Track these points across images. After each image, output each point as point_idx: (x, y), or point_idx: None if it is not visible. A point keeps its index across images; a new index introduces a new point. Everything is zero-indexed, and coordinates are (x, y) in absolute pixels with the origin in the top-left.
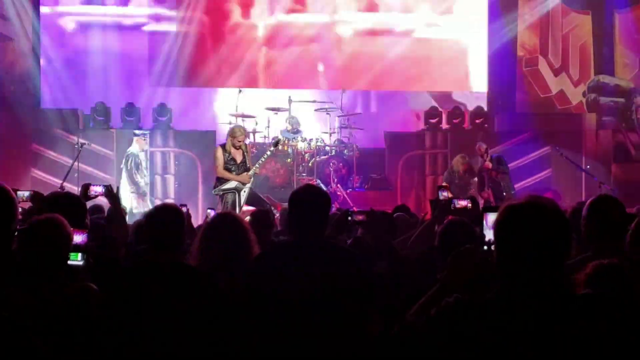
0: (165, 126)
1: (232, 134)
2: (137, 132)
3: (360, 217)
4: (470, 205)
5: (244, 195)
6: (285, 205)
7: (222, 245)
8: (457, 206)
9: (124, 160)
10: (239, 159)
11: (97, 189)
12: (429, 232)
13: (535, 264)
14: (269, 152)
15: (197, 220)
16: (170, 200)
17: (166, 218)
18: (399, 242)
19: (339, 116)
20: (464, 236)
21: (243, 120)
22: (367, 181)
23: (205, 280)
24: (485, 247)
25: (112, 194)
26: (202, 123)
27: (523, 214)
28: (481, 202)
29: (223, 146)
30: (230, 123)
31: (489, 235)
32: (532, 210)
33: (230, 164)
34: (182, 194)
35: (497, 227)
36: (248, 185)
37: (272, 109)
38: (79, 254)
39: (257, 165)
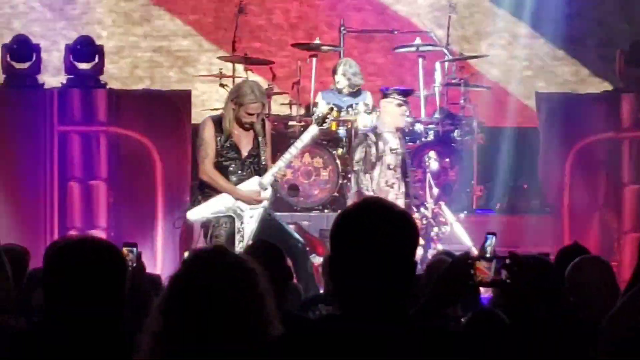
0: (92, 81)
1: (238, 95)
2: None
3: (492, 270)
4: None
5: (251, 223)
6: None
7: (204, 322)
8: None
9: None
10: (246, 147)
11: None
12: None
13: None
14: (306, 137)
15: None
16: (98, 234)
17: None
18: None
19: (442, 61)
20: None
21: (248, 71)
22: (502, 194)
23: None
24: None
25: None
26: (162, 78)
27: None
28: None
29: (217, 121)
30: (220, 73)
31: None
32: None
33: (227, 156)
34: (123, 218)
35: None
36: (261, 205)
37: (308, 49)
38: None
39: (281, 163)
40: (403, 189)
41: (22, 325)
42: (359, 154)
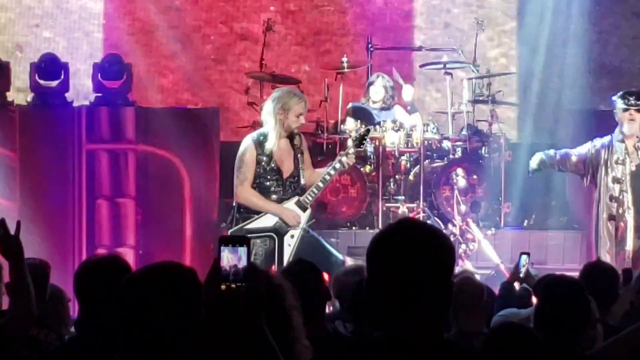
0: (121, 99)
1: (284, 102)
2: None
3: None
4: None
5: (292, 242)
6: (360, 262)
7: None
8: None
9: None
10: (287, 168)
11: None
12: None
13: None
14: (344, 158)
15: None
16: (126, 253)
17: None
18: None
19: (470, 79)
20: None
21: (274, 89)
22: (529, 211)
23: None
24: None
25: (5, 239)
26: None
27: None
28: None
29: (259, 140)
30: (248, 90)
31: None
32: None
33: (269, 177)
34: (151, 236)
35: None
36: (302, 222)
37: (333, 67)
38: None
39: (320, 184)
40: (631, 206)
41: (52, 339)
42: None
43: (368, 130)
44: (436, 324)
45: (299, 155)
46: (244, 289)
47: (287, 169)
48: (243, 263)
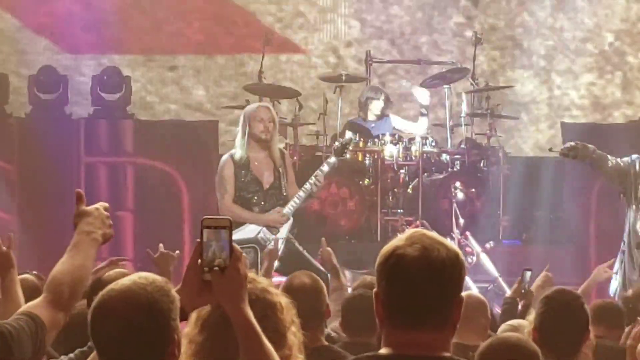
0: (119, 111)
1: (245, 113)
2: None
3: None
4: None
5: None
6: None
7: (224, 353)
8: None
9: None
10: (267, 179)
11: None
12: None
13: None
14: (325, 167)
15: None
16: (125, 266)
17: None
18: None
19: (468, 92)
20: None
21: (275, 103)
22: (527, 225)
23: None
24: None
25: None
26: (189, 107)
27: None
28: None
29: (236, 155)
30: (246, 104)
31: None
32: None
33: (249, 189)
34: (149, 249)
35: None
36: (283, 233)
37: (333, 81)
38: None
39: (301, 194)
40: None
41: None
42: None
43: (351, 140)
44: (447, 340)
45: (279, 167)
46: (226, 272)
47: (267, 179)
48: (225, 245)
